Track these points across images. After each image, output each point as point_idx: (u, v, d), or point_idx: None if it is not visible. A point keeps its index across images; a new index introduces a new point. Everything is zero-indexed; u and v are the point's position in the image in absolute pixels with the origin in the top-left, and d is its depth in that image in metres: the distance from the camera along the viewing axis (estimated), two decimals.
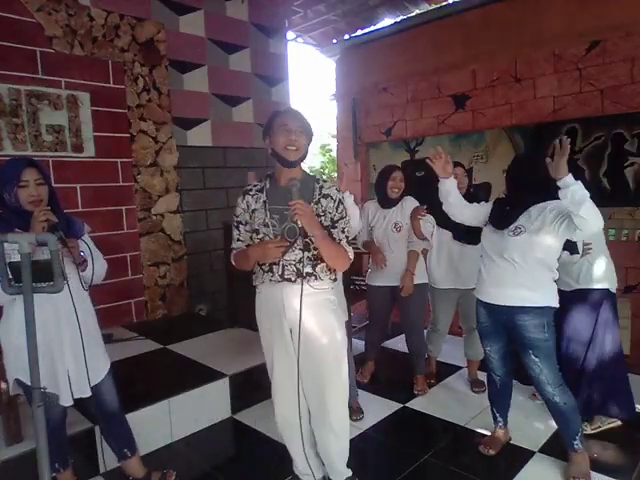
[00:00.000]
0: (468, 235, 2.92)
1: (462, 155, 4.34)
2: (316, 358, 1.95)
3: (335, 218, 1.95)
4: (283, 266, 1.92)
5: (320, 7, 5.12)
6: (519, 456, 2.47)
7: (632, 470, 2.32)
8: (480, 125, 4.28)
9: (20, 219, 1.82)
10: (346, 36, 5.46)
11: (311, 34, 5.69)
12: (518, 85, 4.01)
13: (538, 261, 2.17)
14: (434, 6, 4.69)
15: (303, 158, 1.97)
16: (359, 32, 5.33)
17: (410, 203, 3.16)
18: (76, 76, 3.67)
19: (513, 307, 2.20)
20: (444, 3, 4.62)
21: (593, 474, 2.26)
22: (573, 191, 1.91)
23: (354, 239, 2.38)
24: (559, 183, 1.96)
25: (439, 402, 3.14)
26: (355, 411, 2.91)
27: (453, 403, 3.11)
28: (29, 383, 1.90)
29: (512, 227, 2.20)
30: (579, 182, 1.94)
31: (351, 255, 1.98)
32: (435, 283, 3.22)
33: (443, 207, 2.52)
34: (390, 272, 3.15)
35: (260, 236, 1.96)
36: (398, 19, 5.01)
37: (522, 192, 2.23)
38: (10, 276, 1.50)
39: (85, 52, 3.72)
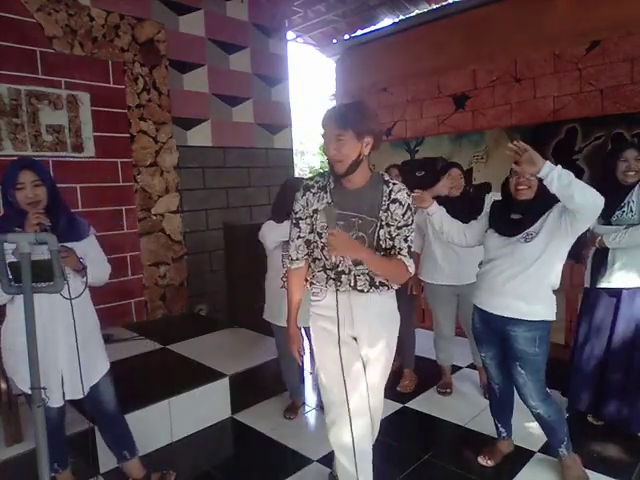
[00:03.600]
0: None
1: (462, 155, 4.34)
2: (376, 366, 1.89)
3: (400, 224, 1.76)
4: (355, 276, 1.79)
5: (320, 7, 5.12)
6: (519, 456, 2.46)
7: (632, 470, 2.32)
8: (480, 125, 4.28)
9: (22, 218, 1.84)
10: (346, 36, 5.46)
11: (311, 34, 5.69)
12: (518, 85, 4.01)
13: (545, 270, 2.05)
14: (434, 6, 4.69)
15: (354, 165, 1.71)
16: (359, 32, 5.33)
17: None
18: (76, 76, 3.67)
19: (506, 317, 2.12)
20: (444, 3, 4.62)
21: (593, 474, 2.26)
22: (558, 176, 1.76)
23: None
24: (540, 174, 1.79)
25: (439, 402, 3.14)
26: None
27: (453, 403, 3.11)
28: (19, 385, 1.93)
29: (523, 233, 2.06)
30: (558, 166, 1.78)
31: (411, 269, 1.81)
32: (431, 279, 3.09)
33: (445, 238, 2.46)
34: None
35: (323, 240, 1.77)
36: (398, 19, 5.01)
37: (541, 197, 2.04)
38: (10, 276, 1.50)
39: (85, 52, 3.72)
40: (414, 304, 3.45)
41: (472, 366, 3.54)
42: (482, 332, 2.31)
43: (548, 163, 1.78)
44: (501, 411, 2.45)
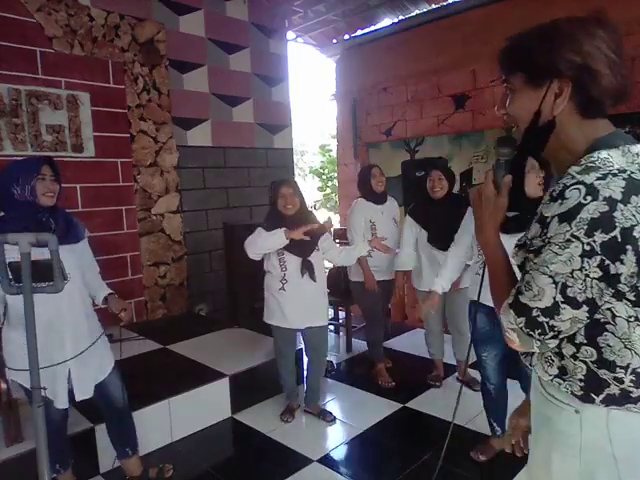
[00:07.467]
0: (439, 240, 3.05)
1: (462, 155, 4.34)
2: None
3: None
4: None
5: (320, 7, 5.12)
6: (519, 456, 2.46)
7: None
8: (480, 125, 4.27)
9: (29, 220, 1.81)
10: (346, 36, 5.46)
11: (311, 34, 5.69)
12: None
13: None
14: (434, 6, 4.68)
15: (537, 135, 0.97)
16: (359, 32, 5.32)
17: (393, 202, 3.53)
18: (76, 76, 3.67)
19: None
20: (444, 3, 4.62)
21: None
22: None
23: None
24: None
25: (439, 402, 3.14)
26: (321, 413, 2.96)
27: (453, 403, 3.10)
28: (25, 384, 1.91)
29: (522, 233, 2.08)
30: None
31: None
32: (417, 285, 3.36)
33: None
34: (382, 266, 3.36)
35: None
36: (398, 19, 5.01)
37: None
38: (10, 276, 1.50)
39: (85, 52, 3.72)
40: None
41: (472, 366, 3.55)
42: (489, 331, 2.29)
43: None
44: (495, 410, 2.48)
